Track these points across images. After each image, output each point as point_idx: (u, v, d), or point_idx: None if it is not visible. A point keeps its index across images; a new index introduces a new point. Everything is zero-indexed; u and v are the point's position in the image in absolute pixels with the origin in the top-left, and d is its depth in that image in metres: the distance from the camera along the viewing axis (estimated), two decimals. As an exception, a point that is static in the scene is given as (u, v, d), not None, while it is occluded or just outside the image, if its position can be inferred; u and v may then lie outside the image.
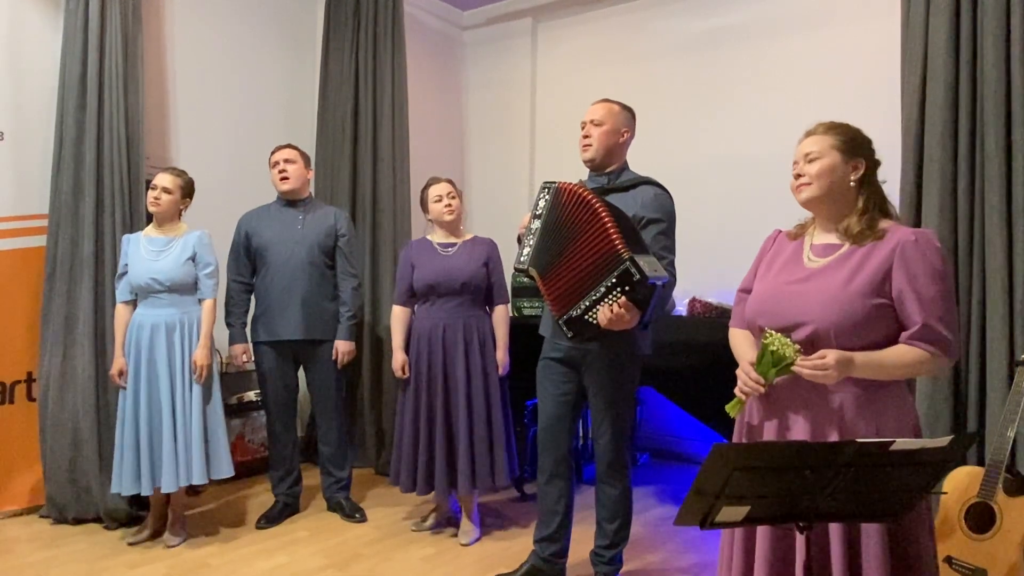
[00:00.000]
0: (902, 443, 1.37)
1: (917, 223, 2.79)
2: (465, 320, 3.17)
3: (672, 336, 3.54)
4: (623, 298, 2.19)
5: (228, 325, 3.41)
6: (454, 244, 3.21)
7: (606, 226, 2.21)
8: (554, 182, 2.42)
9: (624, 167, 2.66)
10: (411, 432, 3.19)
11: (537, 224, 2.41)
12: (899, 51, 2.91)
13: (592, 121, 2.60)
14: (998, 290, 2.59)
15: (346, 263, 3.44)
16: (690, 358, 3.41)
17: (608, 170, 2.62)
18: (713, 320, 3.59)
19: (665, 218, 2.51)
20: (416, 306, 3.28)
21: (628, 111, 2.66)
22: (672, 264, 2.50)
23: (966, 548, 2.30)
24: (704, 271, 3.81)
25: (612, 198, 2.51)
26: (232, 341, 3.43)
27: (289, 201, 3.43)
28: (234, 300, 3.42)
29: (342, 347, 3.39)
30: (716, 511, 1.40)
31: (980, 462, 2.56)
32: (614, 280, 2.19)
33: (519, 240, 2.50)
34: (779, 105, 4.08)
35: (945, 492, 2.37)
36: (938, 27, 2.74)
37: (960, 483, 2.36)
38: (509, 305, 3.33)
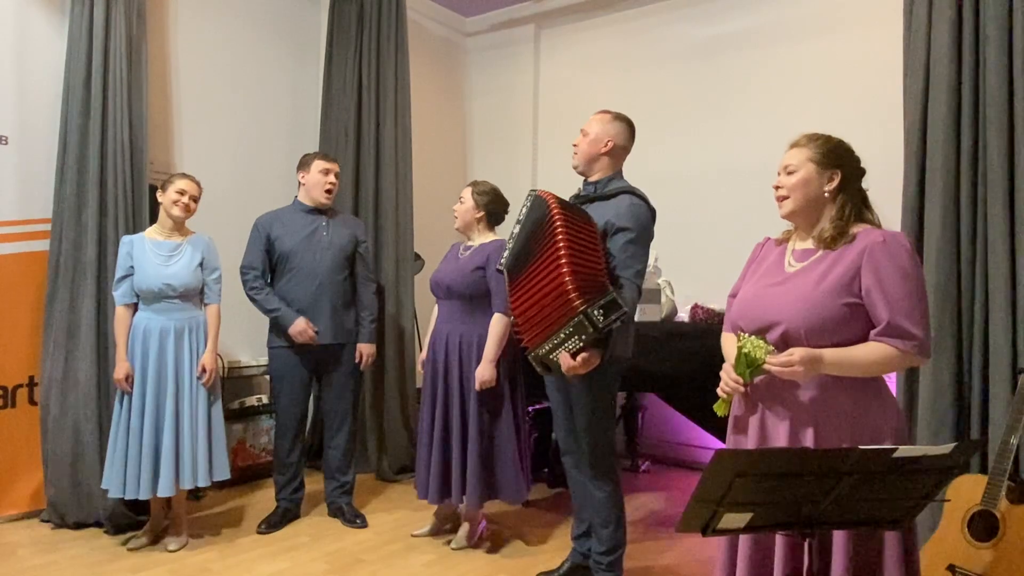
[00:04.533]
0: (905, 450, 1.36)
1: (920, 231, 2.78)
2: (451, 327, 3.11)
3: (674, 342, 3.54)
4: (582, 349, 2.27)
5: (274, 311, 3.31)
6: (471, 247, 3.17)
7: (561, 264, 2.24)
8: (535, 190, 2.53)
9: (614, 176, 2.66)
10: (419, 434, 3.20)
11: (517, 229, 2.52)
12: (901, 59, 2.91)
13: (582, 131, 2.68)
14: (1001, 297, 2.59)
15: (366, 269, 3.52)
16: (692, 364, 3.40)
17: (594, 178, 2.67)
18: (715, 327, 3.59)
19: (635, 227, 2.49)
20: None
21: (620, 121, 2.67)
22: (639, 274, 2.49)
23: (969, 556, 2.29)
24: (707, 277, 3.81)
25: (595, 206, 2.59)
26: (288, 321, 3.29)
27: (314, 208, 3.45)
28: (265, 294, 3.34)
29: (366, 350, 3.46)
30: (718, 518, 1.40)
31: (983, 470, 2.55)
32: (571, 330, 2.25)
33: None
34: (782, 112, 4.09)
35: (948, 500, 2.36)
36: (940, 35, 2.74)
37: (963, 491, 2.35)
38: (505, 315, 2.99)
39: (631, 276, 2.45)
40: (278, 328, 3.37)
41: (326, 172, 3.40)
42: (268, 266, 3.42)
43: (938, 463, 1.42)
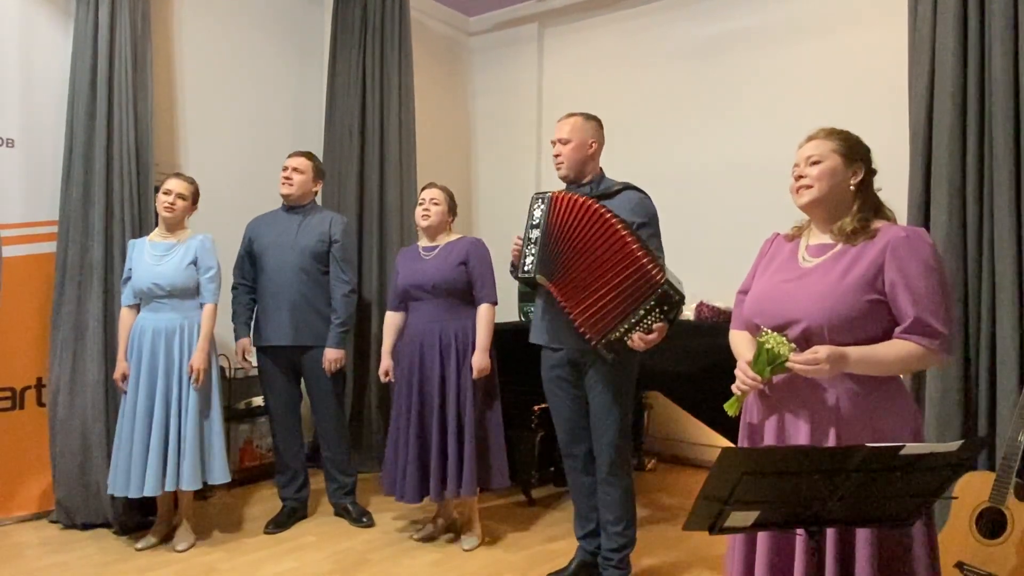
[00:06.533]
0: (912, 448, 1.36)
1: (925, 229, 2.77)
2: (441, 324, 3.10)
3: (680, 341, 3.53)
4: (659, 321, 2.35)
5: (233, 322, 3.45)
6: (435, 247, 3.18)
7: (628, 243, 2.36)
8: (547, 192, 2.54)
9: (601, 176, 2.73)
10: (393, 438, 3.18)
11: (536, 233, 2.50)
12: (906, 56, 2.90)
13: (560, 140, 2.69)
14: (1008, 295, 2.58)
15: (338, 269, 3.40)
16: (698, 363, 3.40)
17: (585, 181, 2.70)
18: (721, 325, 3.58)
19: (652, 221, 2.62)
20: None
21: (593, 120, 2.72)
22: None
23: (977, 553, 2.29)
24: (712, 276, 3.80)
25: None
26: (237, 336, 3.45)
27: (291, 207, 3.45)
28: (238, 299, 3.46)
29: (330, 354, 3.36)
30: (725, 516, 1.40)
31: (991, 467, 2.54)
32: (653, 303, 2.33)
33: (517, 258, 2.56)
34: (786, 110, 4.08)
35: (955, 497, 2.36)
36: (945, 32, 2.73)
37: (971, 488, 2.35)
38: (492, 305, 3.13)
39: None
40: (256, 327, 3.43)
41: (283, 168, 3.42)
42: (249, 270, 3.46)
43: (945, 460, 1.41)
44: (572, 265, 2.45)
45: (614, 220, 2.39)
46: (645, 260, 2.34)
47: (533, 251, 2.50)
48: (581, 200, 2.45)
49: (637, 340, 2.38)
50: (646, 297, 2.34)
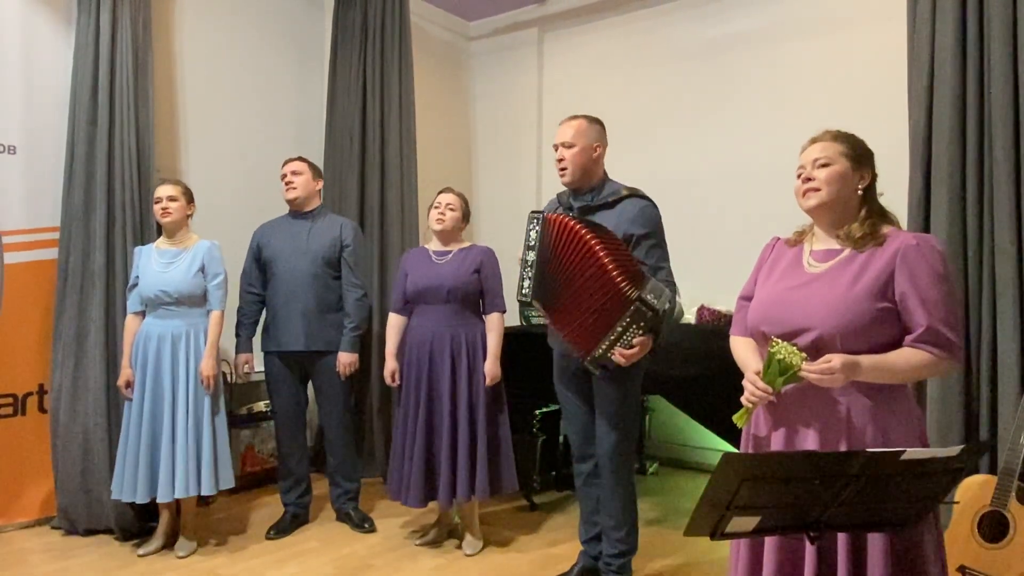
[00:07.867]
0: (913, 453, 1.36)
1: (926, 230, 2.77)
2: (453, 329, 3.11)
3: (681, 344, 3.53)
4: (639, 335, 2.36)
5: (236, 335, 3.44)
6: (448, 252, 3.19)
7: (605, 266, 2.35)
8: (541, 212, 2.53)
9: (604, 180, 2.70)
10: (400, 442, 3.18)
11: (532, 256, 2.50)
12: (906, 57, 2.90)
13: (563, 144, 2.64)
14: (1009, 297, 2.58)
15: (350, 274, 3.42)
16: (699, 367, 3.40)
17: (590, 187, 2.67)
18: (722, 328, 3.58)
19: (654, 230, 2.58)
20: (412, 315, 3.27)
21: (597, 123, 2.68)
22: (669, 272, 2.60)
23: (980, 557, 2.28)
24: (712, 279, 3.80)
25: (599, 215, 2.59)
26: (237, 350, 3.45)
27: (299, 212, 3.45)
28: (244, 310, 3.46)
29: (344, 358, 3.37)
30: (726, 521, 1.39)
31: (993, 470, 2.54)
32: (628, 320, 2.35)
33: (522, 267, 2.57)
34: (786, 112, 4.08)
35: (957, 502, 2.35)
36: (944, 32, 2.73)
37: (973, 492, 2.35)
38: (502, 313, 3.18)
39: (664, 278, 2.54)
40: (266, 332, 3.42)
41: (282, 177, 3.43)
42: (258, 276, 3.45)
43: (946, 464, 1.41)
44: (561, 288, 2.46)
45: (594, 243, 2.36)
46: (619, 279, 2.33)
47: (530, 274, 2.50)
48: (569, 224, 2.42)
49: (619, 355, 2.39)
50: (621, 315, 2.35)
